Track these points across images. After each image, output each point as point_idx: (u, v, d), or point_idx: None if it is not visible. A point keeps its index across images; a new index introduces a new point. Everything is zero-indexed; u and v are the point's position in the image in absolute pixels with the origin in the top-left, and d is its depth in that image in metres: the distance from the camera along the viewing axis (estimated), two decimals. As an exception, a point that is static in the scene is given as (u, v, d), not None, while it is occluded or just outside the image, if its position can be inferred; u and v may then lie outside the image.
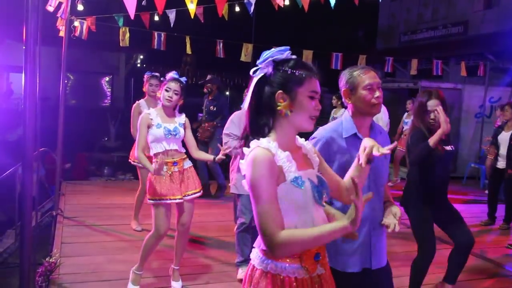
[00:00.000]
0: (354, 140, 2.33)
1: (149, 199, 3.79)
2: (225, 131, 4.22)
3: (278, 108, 1.69)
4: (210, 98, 7.13)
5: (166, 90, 3.79)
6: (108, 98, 20.43)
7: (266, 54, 1.74)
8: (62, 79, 6.21)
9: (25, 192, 2.87)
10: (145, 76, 5.40)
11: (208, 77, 7.24)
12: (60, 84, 6.24)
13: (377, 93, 2.32)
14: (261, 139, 1.69)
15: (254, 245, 1.77)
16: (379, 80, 2.37)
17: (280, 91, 1.69)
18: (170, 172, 3.79)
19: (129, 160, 5.40)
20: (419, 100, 3.61)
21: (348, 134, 2.35)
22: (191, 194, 3.87)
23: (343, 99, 2.44)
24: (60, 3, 5.91)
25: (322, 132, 2.38)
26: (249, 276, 1.74)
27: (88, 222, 5.63)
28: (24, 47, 2.76)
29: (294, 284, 1.66)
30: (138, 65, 22.32)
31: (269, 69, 1.72)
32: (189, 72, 25.16)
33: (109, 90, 20.42)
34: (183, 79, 3.94)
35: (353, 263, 2.33)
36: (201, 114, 7.55)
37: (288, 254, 1.62)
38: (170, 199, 3.74)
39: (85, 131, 12.80)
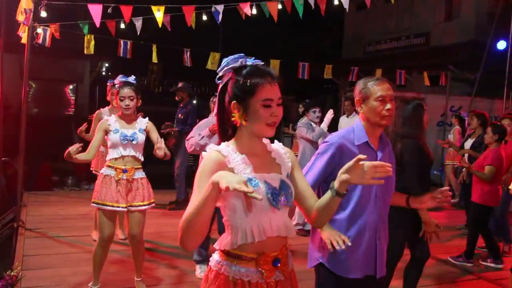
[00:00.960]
0: (366, 148, 2.38)
1: (92, 202, 3.72)
2: (195, 128, 4.26)
3: (233, 119, 1.71)
4: (181, 105, 7.11)
5: (121, 100, 3.71)
6: (72, 106, 20.01)
7: (224, 61, 1.75)
8: (24, 87, 6.05)
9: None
10: (108, 84, 5.31)
11: (180, 84, 7.21)
12: (22, 92, 6.07)
13: (388, 105, 2.37)
14: (222, 143, 1.74)
15: (214, 246, 1.77)
16: (393, 92, 2.41)
17: (234, 101, 1.70)
18: (117, 179, 3.71)
19: (91, 169, 5.32)
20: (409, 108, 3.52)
21: (360, 142, 2.38)
22: (138, 206, 3.76)
23: (356, 107, 2.48)
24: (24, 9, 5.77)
25: (334, 137, 2.41)
26: (205, 276, 1.75)
27: (51, 233, 5.49)
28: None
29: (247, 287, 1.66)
30: (104, 73, 21.95)
31: (228, 77, 1.74)
32: (156, 81, 24.95)
33: (73, 98, 20.00)
34: (132, 78, 3.84)
35: (356, 269, 2.34)
36: (168, 123, 7.50)
37: (188, 240, 1.58)
38: (113, 206, 3.67)
39: (48, 140, 12.46)
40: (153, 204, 3.91)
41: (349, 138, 2.39)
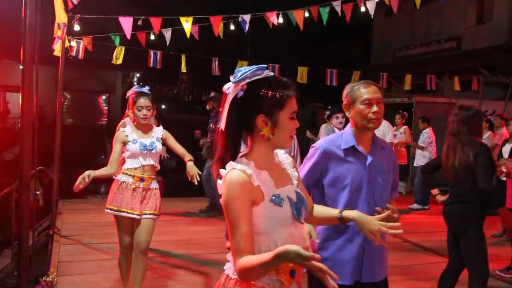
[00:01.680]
0: (353, 152, 2.37)
1: (106, 208, 3.73)
2: None
3: (261, 133, 1.67)
4: (212, 115, 7.13)
5: (138, 110, 3.71)
6: (105, 116, 20.46)
7: (242, 72, 1.66)
8: (59, 98, 6.25)
9: (22, 212, 2.88)
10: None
11: (212, 94, 7.22)
12: (57, 103, 6.28)
13: (375, 108, 2.33)
14: (237, 159, 1.68)
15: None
16: (380, 95, 2.37)
17: (262, 115, 1.65)
18: (134, 186, 3.71)
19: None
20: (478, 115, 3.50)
21: (346, 146, 2.37)
22: (149, 214, 3.74)
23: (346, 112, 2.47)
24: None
25: (322, 142, 2.43)
26: (222, 286, 1.73)
27: (85, 240, 5.61)
28: (21, 67, 2.81)
29: None
30: (135, 83, 22.41)
31: (243, 90, 1.65)
32: (186, 90, 25.27)
33: (106, 108, 20.45)
34: (146, 88, 3.83)
35: (345, 275, 2.33)
36: (197, 131, 7.60)
37: (248, 279, 1.60)
38: (128, 213, 3.66)
39: (82, 149, 12.78)
40: (159, 217, 3.86)
41: (336, 143, 2.39)
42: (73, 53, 6.78)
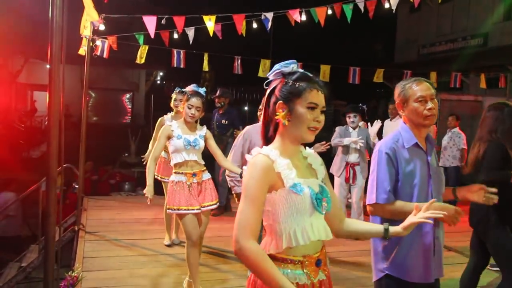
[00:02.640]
0: (416, 150, 2.38)
1: (168, 209, 3.92)
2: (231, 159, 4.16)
3: (276, 117, 1.76)
4: (221, 112, 7.09)
5: (189, 108, 3.90)
6: (129, 114, 20.71)
7: (275, 66, 1.81)
8: (84, 96, 6.35)
9: (48, 208, 2.95)
10: (176, 92, 5.42)
11: (219, 90, 7.19)
12: (83, 102, 6.38)
13: (429, 105, 2.34)
14: (264, 147, 1.77)
15: None
16: (433, 91, 2.38)
17: (281, 101, 1.75)
18: (189, 183, 3.90)
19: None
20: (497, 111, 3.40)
21: (409, 144, 2.37)
22: (207, 206, 3.99)
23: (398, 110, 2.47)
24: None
25: (383, 144, 2.41)
26: (252, 281, 1.76)
27: (109, 236, 5.70)
28: (48, 66, 2.87)
29: None
30: (158, 82, 22.62)
31: (278, 81, 1.79)
32: (208, 88, 25.36)
33: (130, 106, 20.71)
34: (203, 90, 4.03)
35: (420, 273, 2.37)
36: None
37: (243, 263, 1.63)
38: (189, 210, 3.83)
39: (106, 147, 12.98)
40: (218, 203, 4.16)
41: (399, 142, 2.38)
42: (98, 52, 6.87)
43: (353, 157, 5.83)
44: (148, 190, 3.81)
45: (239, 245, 1.60)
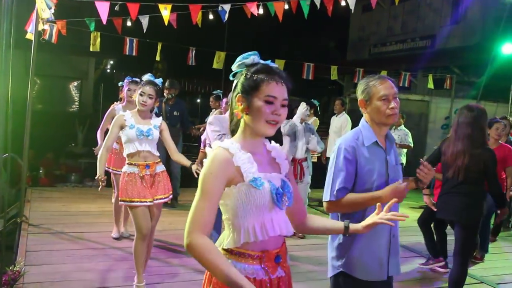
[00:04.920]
0: (376, 148, 2.39)
1: (120, 201, 3.82)
2: (212, 128, 4.28)
3: (235, 110, 1.75)
4: (170, 103, 6.96)
5: (141, 95, 3.83)
6: (76, 103, 20.03)
7: (238, 58, 1.78)
8: (30, 83, 6.06)
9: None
10: (125, 81, 5.29)
11: (168, 82, 7.03)
12: (28, 88, 6.08)
13: (392, 104, 2.36)
14: (225, 140, 1.74)
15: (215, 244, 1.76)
16: (395, 90, 2.40)
17: (239, 94, 1.72)
18: (141, 175, 3.83)
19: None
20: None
21: (369, 142, 2.38)
22: (160, 199, 3.92)
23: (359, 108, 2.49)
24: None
25: (343, 141, 2.41)
26: (209, 275, 1.73)
27: (54, 229, 5.50)
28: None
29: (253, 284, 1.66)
30: (108, 70, 22.00)
31: (242, 73, 1.77)
32: (161, 79, 24.95)
33: (78, 95, 20.03)
34: (159, 81, 3.98)
35: (375, 271, 2.40)
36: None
37: (194, 257, 1.61)
38: (141, 202, 3.77)
39: (52, 136, 12.48)
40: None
41: (359, 140, 2.39)
42: (46, 37, 6.56)
43: (300, 153, 5.86)
44: (100, 174, 3.74)
45: (189, 239, 1.57)
